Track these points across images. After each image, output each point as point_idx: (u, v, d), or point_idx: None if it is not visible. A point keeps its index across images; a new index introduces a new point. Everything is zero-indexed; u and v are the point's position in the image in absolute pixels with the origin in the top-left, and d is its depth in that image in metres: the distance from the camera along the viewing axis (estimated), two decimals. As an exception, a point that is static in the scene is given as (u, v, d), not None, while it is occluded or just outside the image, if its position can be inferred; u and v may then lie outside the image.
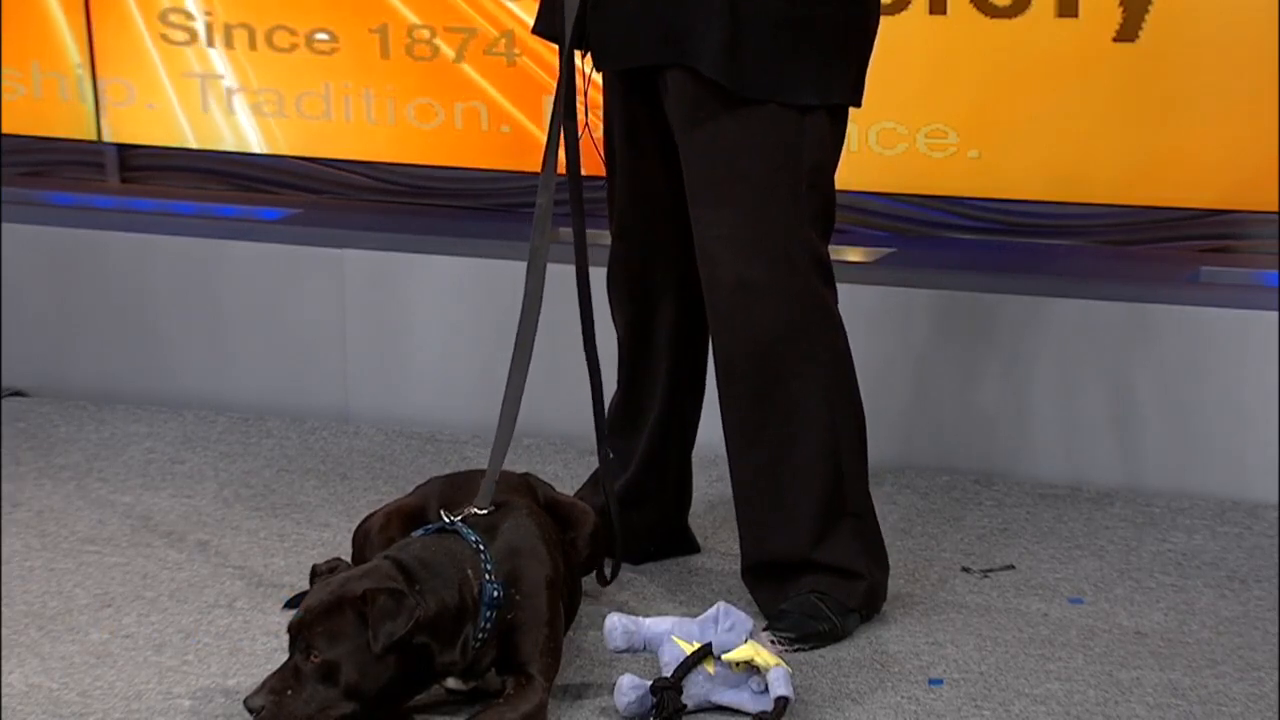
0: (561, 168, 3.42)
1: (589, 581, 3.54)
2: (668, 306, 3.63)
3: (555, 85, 3.43)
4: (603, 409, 3.57)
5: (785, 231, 3.35)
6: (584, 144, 3.47)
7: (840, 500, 3.45)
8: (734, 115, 3.30)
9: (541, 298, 3.36)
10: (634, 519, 3.67)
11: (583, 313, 3.51)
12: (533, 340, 3.35)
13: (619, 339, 3.70)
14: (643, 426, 3.70)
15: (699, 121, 3.33)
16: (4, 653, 3.42)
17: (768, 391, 3.40)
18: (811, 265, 3.38)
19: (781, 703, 3.11)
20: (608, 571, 3.57)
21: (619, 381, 3.72)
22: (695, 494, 3.87)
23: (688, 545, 3.83)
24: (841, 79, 3.36)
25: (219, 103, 5.00)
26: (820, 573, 3.45)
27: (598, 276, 3.59)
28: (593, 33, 3.37)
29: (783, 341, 3.37)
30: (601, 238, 3.68)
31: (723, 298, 3.39)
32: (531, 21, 3.59)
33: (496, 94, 4.73)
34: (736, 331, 3.39)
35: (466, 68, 4.75)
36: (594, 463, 3.71)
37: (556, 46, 3.47)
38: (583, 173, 3.47)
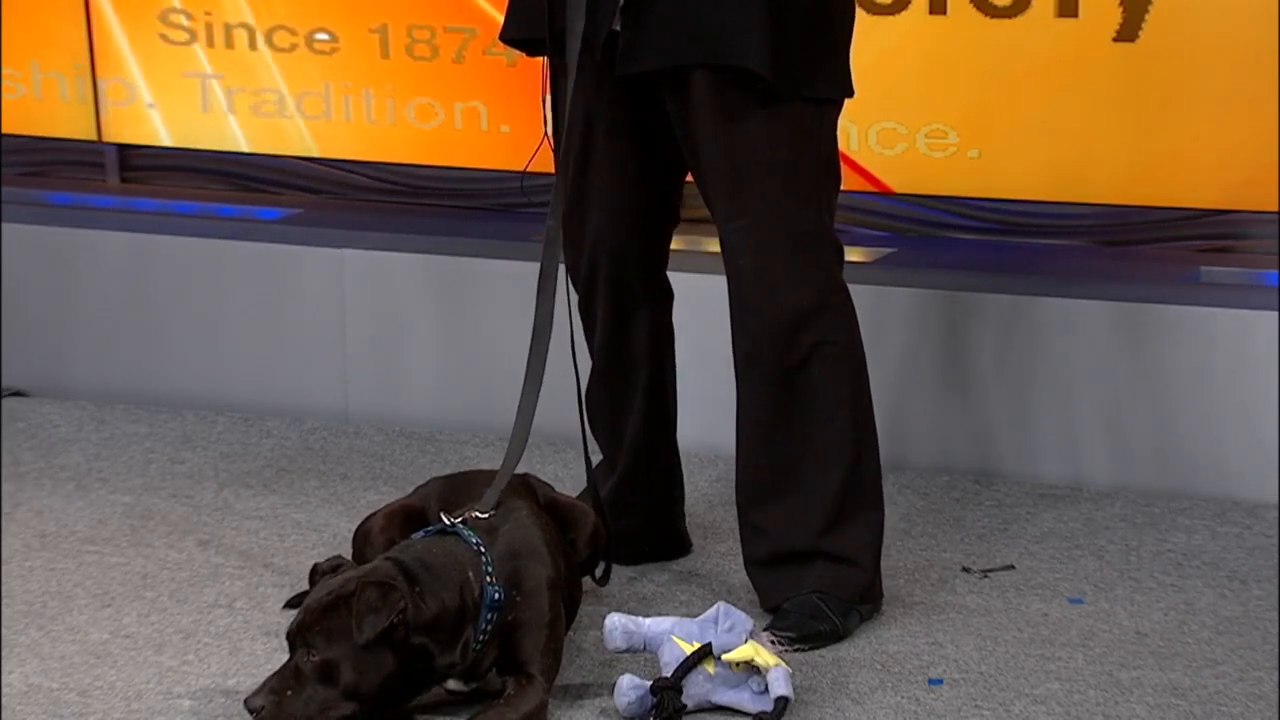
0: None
1: (589, 582, 3.54)
2: (644, 311, 3.64)
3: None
4: (585, 419, 3.57)
5: (804, 220, 3.38)
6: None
7: (858, 488, 3.46)
8: (767, 110, 3.32)
9: (553, 319, 3.35)
10: (625, 522, 3.67)
11: (571, 325, 3.50)
12: (544, 364, 3.35)
13: (597, 345, 3.68)
14: (625, 430, 3.70)
15: (730, 118, 3.33)
16: (4, 653, 3.42)
17: (791, 376, 3.41)
18: (830, 251, 3.43)
19: (781, 703, 3.11)
20: (598, 572, 3.57)
21: (596, 386, 3.69)
22: (695, 494, 3.86)
23: (681, 546, 3.82)
24: (846, 72, 3.41)
25: (219, 103, 5.00)
26: (826, 562, 3.44)
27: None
28: (623, 36, 3.35)
29: (805, 326, 3.39)
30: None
31: (745, 286, 3.41)
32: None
33: (496, 94, 4.73)
34: (760, 319, 3.40)
35: (469, 68, 4.75)
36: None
37: (527, 50, 3.47)
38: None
